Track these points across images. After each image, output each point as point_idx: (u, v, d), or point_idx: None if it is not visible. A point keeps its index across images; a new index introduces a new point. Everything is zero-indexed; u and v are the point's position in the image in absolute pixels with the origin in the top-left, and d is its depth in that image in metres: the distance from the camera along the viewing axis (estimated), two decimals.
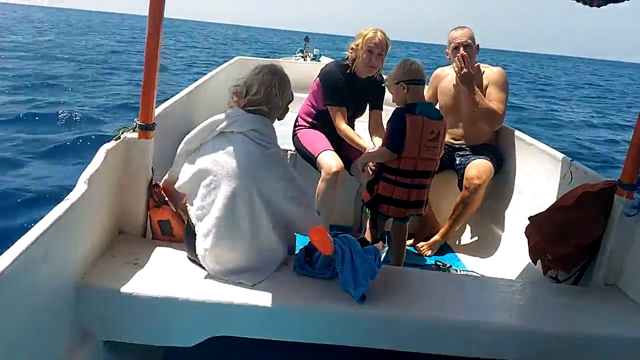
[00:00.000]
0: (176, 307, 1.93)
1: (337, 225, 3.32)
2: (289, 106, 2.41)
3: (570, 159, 3.01)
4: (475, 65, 3.53)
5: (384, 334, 2.03)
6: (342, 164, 3.17)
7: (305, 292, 2.09)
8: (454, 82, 3.61)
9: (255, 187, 2.16)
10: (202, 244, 2.10)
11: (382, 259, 2.23)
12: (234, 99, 2.32)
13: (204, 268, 2.13)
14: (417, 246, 3.58)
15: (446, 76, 3.71)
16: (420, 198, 2.81)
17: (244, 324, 1.99)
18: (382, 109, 3.47)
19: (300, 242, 2.41)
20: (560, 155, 3.11)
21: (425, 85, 2.80)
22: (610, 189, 2.48)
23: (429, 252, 3.53)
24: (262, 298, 2.00)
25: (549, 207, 2.67)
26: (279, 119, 2.41)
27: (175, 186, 2.28)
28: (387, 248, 2.30)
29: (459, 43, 3.45)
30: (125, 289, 1.92)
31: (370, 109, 3.51)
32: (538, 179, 3.29)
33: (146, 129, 2.33)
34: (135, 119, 2.34)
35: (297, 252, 2.32)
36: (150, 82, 2.27)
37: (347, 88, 3.32)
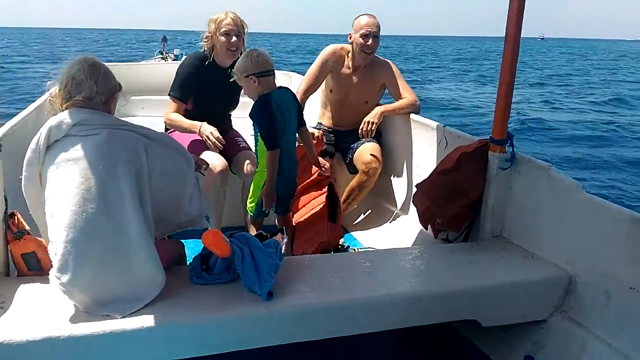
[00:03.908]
0: (59, 347, 1.67)
1: (229, 227, 3.17)
2: (116, 95, 2.07)
3: (443, 125, 3.15)
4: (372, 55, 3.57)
5: (298, 326, 1.94)
6: (226, 162, 3.03)
7: (207, 301, 1.93)
8: (348, 71, 3.60)
9: (105, 190, 1.84)
10: (60, 279, 1.77)
11: (282, 251, 2.14)
12: (50, 103, 2.01)
13: None
14: None
15: (344, 60, 3.63)
16: None
17: (143, 350, 1.79)
18: None
19: (192, 250, 2.24)
20: (434, 124, 3.24)
21: (276, 73, 2.71)
22: (484, 147, 2.62)
23: None
24: (160, 318, 1.80)
25: (432, 172, 2.77)
26: (106, 111, 2.04)
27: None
28: (285, 239, 2.22)
29: (369, 31, 3.47)
30: None
31: None
32: (416, 149, 3.41)
33: None
34: None
35: (190, 261, 2.14)
36: None
37: (207, 80, 3.15)
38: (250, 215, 2.82)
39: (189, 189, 2.13)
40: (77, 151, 1.88)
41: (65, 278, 1.76)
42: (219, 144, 3.00)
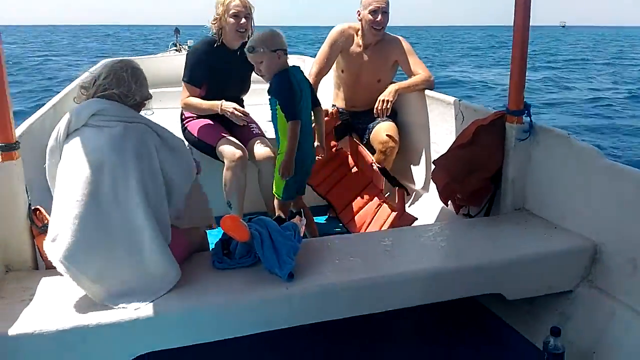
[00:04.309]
0: (89, 335, 1.71)
1: (251, 212, 3.19)
2: (146, 103, 2.14)
3: (459, 99, 3.10)
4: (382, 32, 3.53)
5: (320, 306, 1.95)
6: (244, 148, 3.04)
7: (229, 284, 1.95)
8: (359, 49, 3.57)
9: (116, 183, 1.87)
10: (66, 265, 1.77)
11: (301, 233, 2.15)
12: (81, 92, 2.06)
13: None
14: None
15: (353, 38, 3.60)
16: None
17: (168, 335, 1.82)
18: None
19: (216, 237, 2.27)
20: (450, 99, 3.18)
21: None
22: (500, 119, 2.57)
23: None
24: (184, 302, 1.83)
25: (450, 147, 2.73)
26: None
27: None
28: (304, 221, 2.23)
29: (378, 7, 3.42)
30: (23, 329, 1.67)
31: None
32: (433, 125, 3.37)
33: (9, 149, 2.03)
34: None
35: (212, 247, 2.17)
36: (1, 96, 1.98)
37: (217, 62, 3.15)
38: (279, 200, 2.83)
39: (171, 196, 2.08)
40: (92, 142, 1.92)
41: (73, 266, 1.78)
42: (244, 117, 3.05)
